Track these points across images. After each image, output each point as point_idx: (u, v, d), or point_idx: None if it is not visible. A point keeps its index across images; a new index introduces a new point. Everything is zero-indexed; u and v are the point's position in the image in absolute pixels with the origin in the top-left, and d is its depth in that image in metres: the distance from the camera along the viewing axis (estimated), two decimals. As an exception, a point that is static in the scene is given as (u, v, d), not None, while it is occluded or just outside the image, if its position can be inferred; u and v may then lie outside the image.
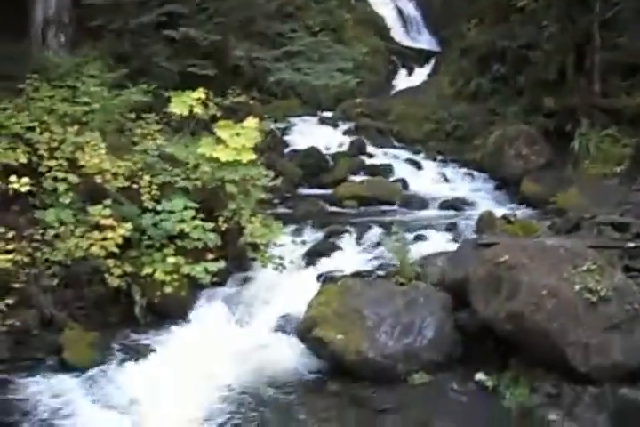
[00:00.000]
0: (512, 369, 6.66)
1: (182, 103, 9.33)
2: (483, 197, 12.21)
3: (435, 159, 14.12)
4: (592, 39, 12.39)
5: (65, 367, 7.22)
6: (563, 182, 11.42)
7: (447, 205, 11.68)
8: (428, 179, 13.26)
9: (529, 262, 6.63)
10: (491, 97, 15.01)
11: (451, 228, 10.05)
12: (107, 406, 6.58)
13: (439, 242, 9.48)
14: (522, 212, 10.84)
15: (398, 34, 22.20)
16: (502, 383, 6.57)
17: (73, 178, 8.22)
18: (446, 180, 13.26)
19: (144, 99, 10.29)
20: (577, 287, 6.36)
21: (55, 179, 8.20)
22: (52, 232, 7.92)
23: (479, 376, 6.74)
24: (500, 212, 10.07)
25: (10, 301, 6.95)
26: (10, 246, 7.37)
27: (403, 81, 19.87)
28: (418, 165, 13.69)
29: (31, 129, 8.48)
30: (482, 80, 15.25)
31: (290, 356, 7.46)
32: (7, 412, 6.38)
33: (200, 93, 9.37)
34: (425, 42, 22.09)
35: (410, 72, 20.31)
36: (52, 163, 8.28)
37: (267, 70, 13.13)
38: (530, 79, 13.78)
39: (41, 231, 7.93)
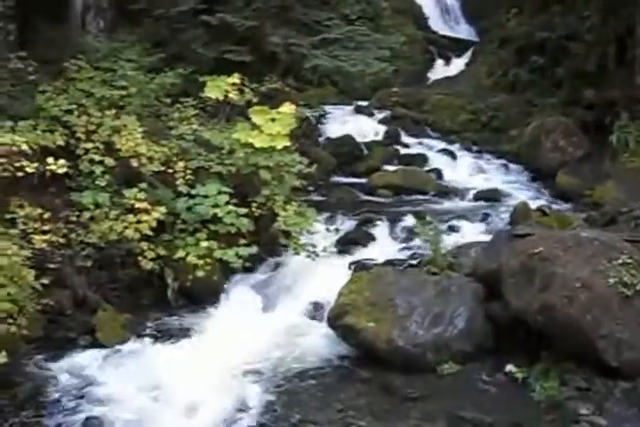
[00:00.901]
0: (543, 362, 6.61)
1: (217, 88, 9.35)
2: (517, 189, 12.13)
3: (470, 150, 14.06)
4: (633, 31, 12.20)
5: (97, 347, 7.28)
6: (600, 176, 11.31)
7: (481, 195, 11.60)
8: (463, 169, 13.21)
9: (563, 254, 6.56)
10: (528, 88, 14.91)
11: (484, 219, 10.04)
12: (136, 386, 6.61)
13: (472, 232, 9.48)
14: (557, 204, 10.74)
15: (436, 23, 22.10)
16: (532, 376, 6.53)
17: (109, 161, 8.29)
18: (481, 170, 13.19)
19: (178, 81, 10.32)
20: (611, 281, 6.29)
21: (92, 161, 8.29)
22: (87, 214, 7.99)
23: (509, 368, 6.69)
24: (534, 204, 9.99)
25: (45, 281, 6.98)
26: (46, 227, 7.44)
27: (440, 71, 19.80)
28: (453, 156, 13.63)
29: (69, 112, 8.56)
30: (520, 71, 15.16)
31: (320, 342, 7.48)
32: (39, 389, 6.46)
33: (235, 79, 9.40)
34: (463, 31, 21.95)
35: (447, 62, 20.21)
36: (89, 145, 8.36)
37: (303, 57, 13.08)
38: (569, 71, 13.64)
39: (76, 213, 8.02)
